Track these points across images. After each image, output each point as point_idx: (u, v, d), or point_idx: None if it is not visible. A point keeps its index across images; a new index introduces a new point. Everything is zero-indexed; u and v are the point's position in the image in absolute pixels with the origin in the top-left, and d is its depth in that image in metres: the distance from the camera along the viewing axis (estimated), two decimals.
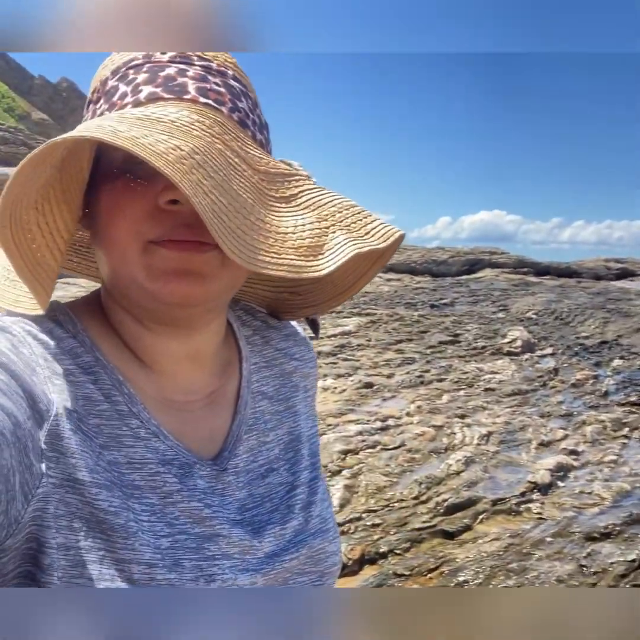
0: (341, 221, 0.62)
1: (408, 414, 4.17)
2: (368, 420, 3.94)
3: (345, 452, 3.41)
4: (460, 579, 2.64)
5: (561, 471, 3.66)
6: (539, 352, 6.49)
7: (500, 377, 5.41)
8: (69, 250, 0.74)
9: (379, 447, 3.56)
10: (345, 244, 0.59)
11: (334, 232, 0.60)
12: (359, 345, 6.01)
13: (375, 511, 3.00)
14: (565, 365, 6.16)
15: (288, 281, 0.79)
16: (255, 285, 0.82)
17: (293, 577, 0.63)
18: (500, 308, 8.98)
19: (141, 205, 0.59)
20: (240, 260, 0.53)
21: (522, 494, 3.31)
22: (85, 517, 0.55)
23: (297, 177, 0.64)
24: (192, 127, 0.57)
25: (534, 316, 8.52)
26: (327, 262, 0.58)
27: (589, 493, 3.45)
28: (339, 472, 3.22)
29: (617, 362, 6.49)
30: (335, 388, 4.55)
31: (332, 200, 0.63)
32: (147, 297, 0.61)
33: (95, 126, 0.53)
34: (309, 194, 0.63)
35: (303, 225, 0.60)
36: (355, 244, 0.59)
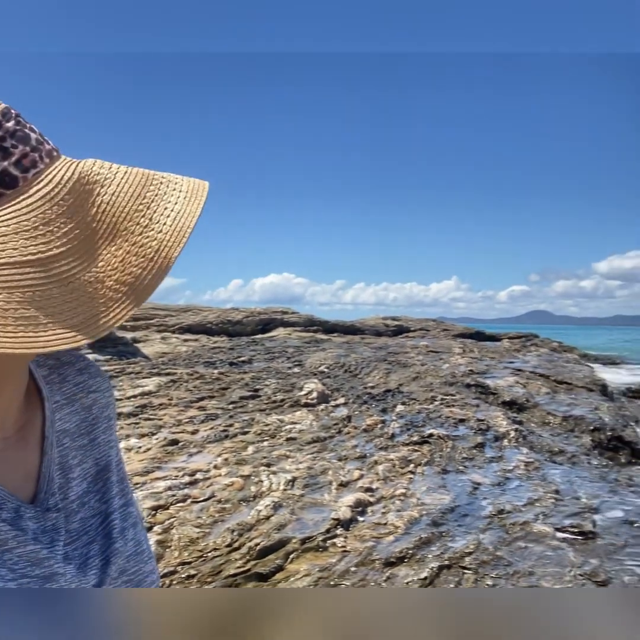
0: None
1: (215, 467, 4.22)
2: (176, 476, 3.92)
3: (156, 508, 3.36)
4: None
5: (360, 507, 3.95)
6: (333, 403, 6.93)
7: (300, 427, 5.69)
8: None
9: (189, 500, 3.56)
10: None
11: None
12: (160, 404, 5.93)
13: (189, 563, 2.99)
14: (356, 412, 6.66)
15: None
16: None
17: None
18: (295, 363, 9.43)
19: None
20: None
21: (328, 531, 3.53)
22: None
23: None
24: None
25: (326, 370, 9.08)
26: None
27: (385, 524, 3.77)
28: (150, 528, 3.16)
29: (399, 408, 7.16)
30: (140, 447, 4.45)
31: None
32: None
33: None
34: None
35: None
36: None
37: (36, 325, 0.50)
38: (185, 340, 10.74)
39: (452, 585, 3.15)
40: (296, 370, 8.82)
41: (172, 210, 0.59)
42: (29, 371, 0.72)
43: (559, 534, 3.99)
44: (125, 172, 0.60)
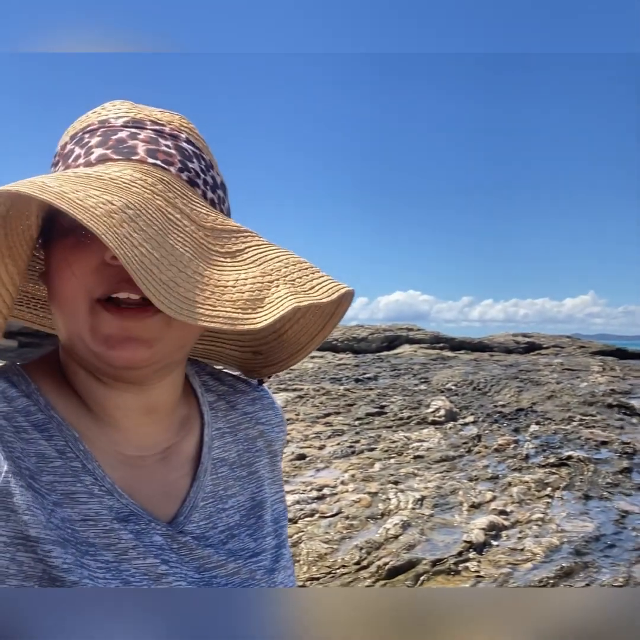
0: (286, 276, 0.60)
1: (342, 483, 4.19)
2: (304, 490, 3.93)
3: None
4: None
5: (493, 530, 3.75)
6: (461, 421, 6.70)
7: (427, 445, 5.54)
8: (37, 305, 0.76)
9: (317, 516, 3.54)
10: (285, 297, 0.58)
11: (277, 286, 0.59)
12: (288, 419, 6.02)
13: (318, 579, 2.97)
14: (486, 431, 6.39)
15: (250, 340, 0.79)
16: (222, 345, 0.82)
17: None
18: (422, 380, 9.25)
19: (88, 261, 0.59)
20: (171, 311, 0.52)
21: (459, 554, 3.37)
22: (37, 575, 0.53)
23: (245, 234, 0.63)
24: (133, 184, 0.57)
25: (453, 387, 8.83)
26: (265, 315, 0.56)
27: (521, 549, 3.54)
28: None
29: (533, 428, 6.79)
30: None
31: (278, 256, 0.62)
32: (94, 357, 0.60)
33: (26, 182, 0.53)
34: (256, 249, 0.62)
35: (245, 279, 0.58)
36: (296, 298, 0.58)
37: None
38: (312, 357, 10.90)
39: None
40: (422, 387, 8.65)
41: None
42: (194, 395, 0.75)
43: None
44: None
